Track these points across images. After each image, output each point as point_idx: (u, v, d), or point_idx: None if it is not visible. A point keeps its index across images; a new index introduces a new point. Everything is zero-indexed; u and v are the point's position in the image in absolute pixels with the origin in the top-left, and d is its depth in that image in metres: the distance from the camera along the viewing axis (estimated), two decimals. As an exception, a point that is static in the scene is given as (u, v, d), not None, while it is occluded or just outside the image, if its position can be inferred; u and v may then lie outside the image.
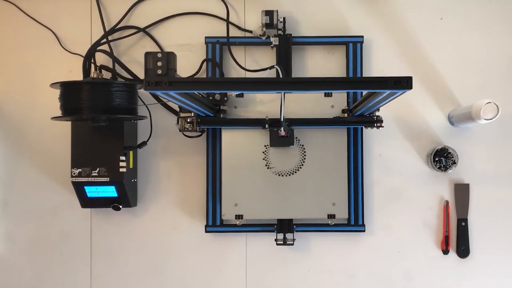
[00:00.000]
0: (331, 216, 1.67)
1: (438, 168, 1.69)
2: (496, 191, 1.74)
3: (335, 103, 1.68)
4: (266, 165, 1.68)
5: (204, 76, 1.73)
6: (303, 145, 1.68)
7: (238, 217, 1.67)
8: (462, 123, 1.68)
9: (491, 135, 1.73)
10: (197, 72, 1.72)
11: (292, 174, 1.68)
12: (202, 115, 1.58)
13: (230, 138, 1.68)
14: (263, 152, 1.68)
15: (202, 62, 1.71)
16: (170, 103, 1.71)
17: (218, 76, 1.71)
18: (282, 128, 1.55)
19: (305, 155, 1.68)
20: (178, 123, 1.59)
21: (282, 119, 1.50)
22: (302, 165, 1.68)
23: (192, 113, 1.53)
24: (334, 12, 1.76)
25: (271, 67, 1.63)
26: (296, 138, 1.67)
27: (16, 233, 1.76)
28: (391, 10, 1.76)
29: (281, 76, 1.60)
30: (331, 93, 1.68)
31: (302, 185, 1.67)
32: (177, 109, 1.61)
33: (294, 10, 1.75)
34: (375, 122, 1.59)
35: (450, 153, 1.70)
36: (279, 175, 1.68)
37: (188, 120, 1.55)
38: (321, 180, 1.67)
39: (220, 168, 1.69)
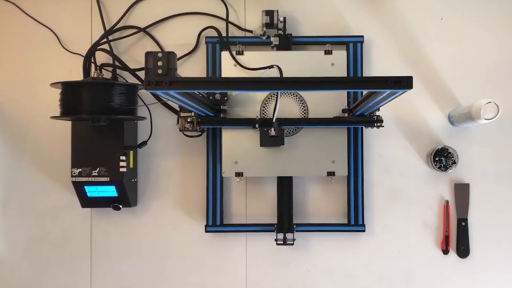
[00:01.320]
0: (331, 174, 1.67)
1: (438, 168, 1.70)
2: (496, 190, 1.74)
3: (335, 61, 1.68)
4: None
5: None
6: (304, 103, 1.68)
7: (238, 174, 1.67)
8: (462, 123, 1.68)
9: (491, 135, 1.73)
10: (195, 47, 1.75)
11: (293, 133, 1.68)
12: (203, 115, 1.58)
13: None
14: (262, 111, 1.68)
15: (200, 33, 1.73)
16: (170, 103, 1.71)
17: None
18: (272, 128, 1.56)
19: (306, 115, 1.68)
20: (178, 122, 1.59)
21: (274, 119, 1.50)
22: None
23: (192, 113, 1.53)
24: (335, 12, 1.76)
25: (271, 67, 1.62)
26: (297, 96, 1.67)
27: (16, 233, 1.75)
28: (391, 10, 1.76)
29: (280, 75, 1.59)
30: (331, 51, 1.68)
31: (302, 143, 1.67)
32: (178, 109, 1.60)
33: (295, 10, 1.75)
34: (375, 122, 1.58)
35: (450, 153, 1.70)
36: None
37: (189, 120, 1.55)
38: (321, 138, 1.67)
39: (221, 166, 1.69)
